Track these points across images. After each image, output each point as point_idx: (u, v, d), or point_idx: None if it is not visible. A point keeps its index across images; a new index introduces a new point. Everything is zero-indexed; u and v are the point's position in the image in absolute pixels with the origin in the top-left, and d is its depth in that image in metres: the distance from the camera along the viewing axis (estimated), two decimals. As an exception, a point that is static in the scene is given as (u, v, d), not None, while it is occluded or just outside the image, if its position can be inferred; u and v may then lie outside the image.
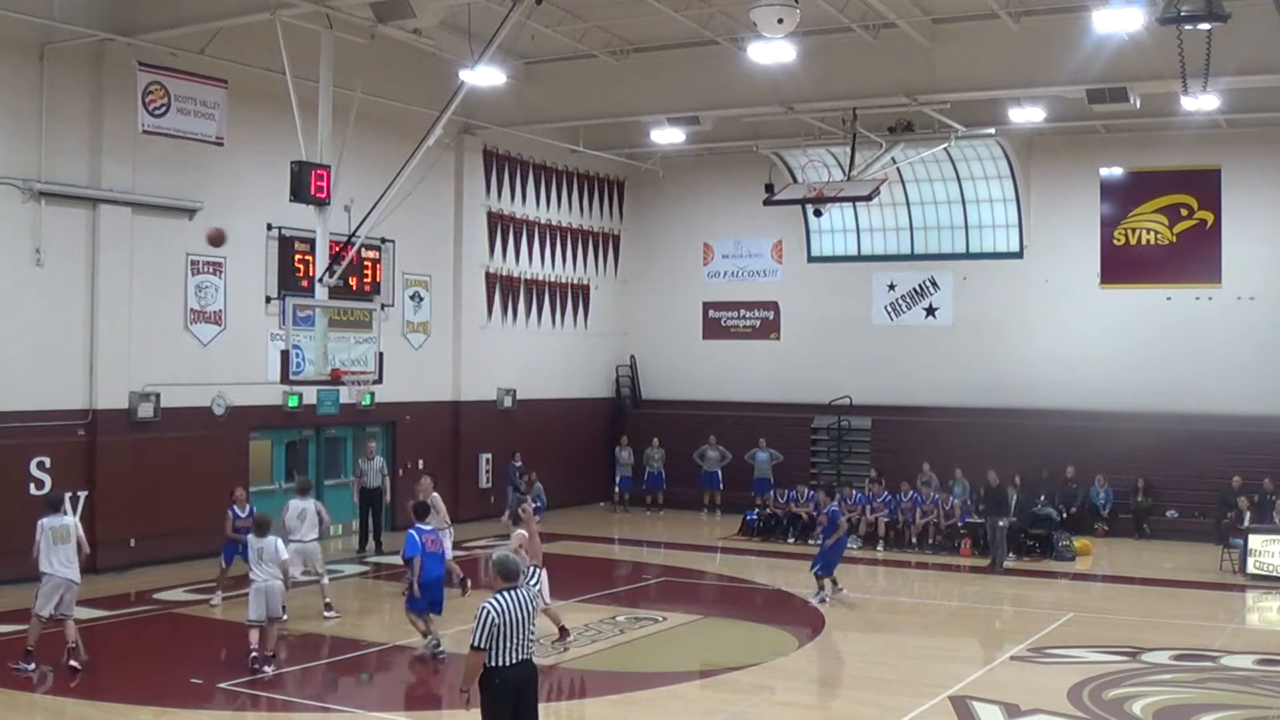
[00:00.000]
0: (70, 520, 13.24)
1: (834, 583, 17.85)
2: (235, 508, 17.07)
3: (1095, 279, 26.32)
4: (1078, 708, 12.08)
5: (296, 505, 16.48)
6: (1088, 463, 24.60)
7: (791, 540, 23.59)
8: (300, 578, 16.51)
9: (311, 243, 18.99)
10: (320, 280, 17.97)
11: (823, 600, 17.46)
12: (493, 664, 8.37)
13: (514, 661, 8.39)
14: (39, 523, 13.45)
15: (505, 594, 8.49)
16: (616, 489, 28.49)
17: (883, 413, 27.37)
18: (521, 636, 8.42)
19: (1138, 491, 24.29)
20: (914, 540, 22.93)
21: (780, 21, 16.08)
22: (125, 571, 18.65)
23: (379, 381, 18.57)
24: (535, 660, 8.72)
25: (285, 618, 13.99)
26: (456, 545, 22.65)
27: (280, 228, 21.29)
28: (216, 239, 16.96)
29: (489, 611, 8.36)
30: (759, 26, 16.46)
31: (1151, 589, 19.62)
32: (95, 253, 18.79)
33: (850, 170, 23.76)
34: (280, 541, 13.63)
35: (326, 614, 16.16)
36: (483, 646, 8.35)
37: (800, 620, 16.62)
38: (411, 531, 14.34)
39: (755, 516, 24.60)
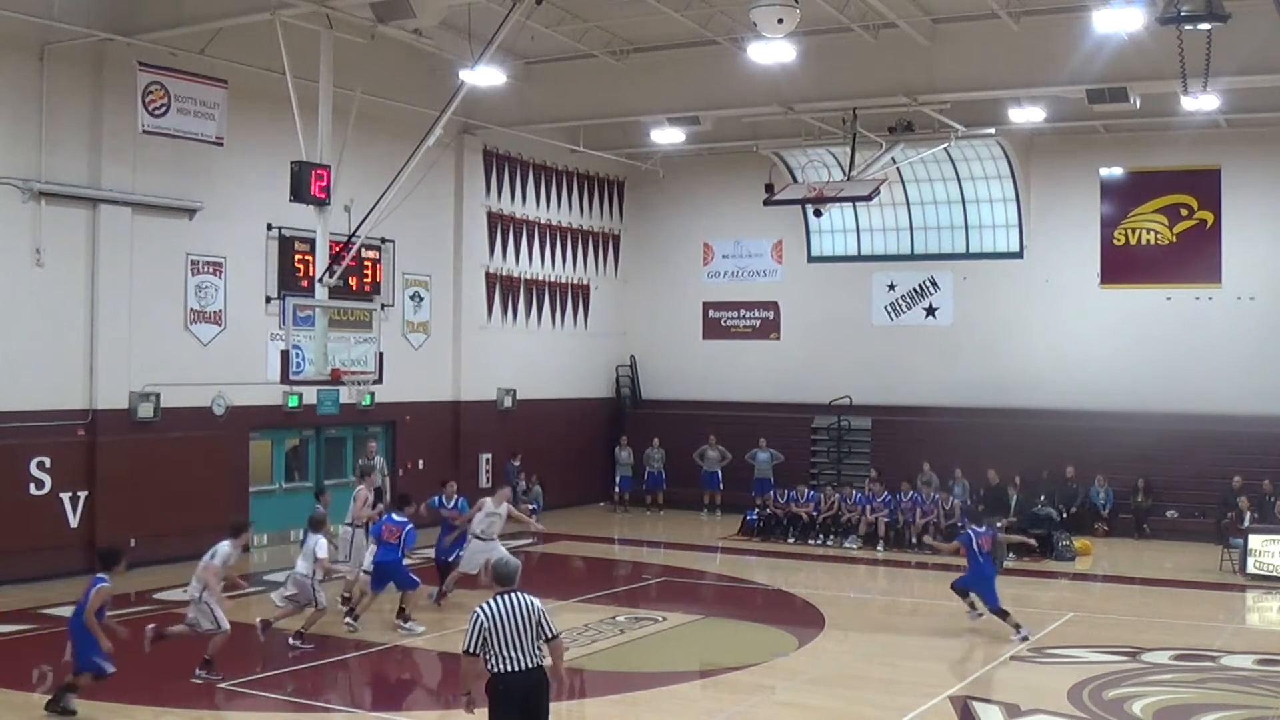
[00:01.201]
0: (312, 540, 14.21)
1: (971, 605, 16.16)
2: (442, 498, 17.92)
3: (1095, 279, 26.32)
4: (1078, 708, 12.07)
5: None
6: (1088, 463, 24.58)
7: (791, 540, 23.58)
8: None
9: (311, 243, 18.99)
10: (320, 280, 17.97)
11: (979, 614, 15.99)
12: (494, 669, 8.24)
13: (517, 669, 8.21)
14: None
15: (499, 598, 8.34)
16: (616, 489, 28.47)
17: (883, 413, 27.37)
18: (521, 642, 8.22)
19: (1138, 491, 24.29)
20: (914, 540, 22.92)
21: (780, 21, 16.09)
22: (125, 571, 18.54)
23: (379, 381, 18.57)
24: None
25: (323, 606, 14.54)
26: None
27: (280, 228, 21.29)
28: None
29: (478, 616, 8.25)
30: (759, 26, 16.47)
31: (1151, 589, 19.62)
32: (95, 253, 18.79)
33: (850, 170, 23.74)
34: (324, 541, 14.25)
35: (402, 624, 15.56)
36: (473, 651, 8.26)
37: (800, 620, 16.61)
38: (381, 520, 15.71)
39: (755, 516, 24.59)
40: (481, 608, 8.31)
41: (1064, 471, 24.60)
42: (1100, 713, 11.92)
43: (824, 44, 20.98)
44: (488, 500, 17.16)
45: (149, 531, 19.11)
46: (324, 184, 17.47)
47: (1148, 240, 25.99)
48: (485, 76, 19.14)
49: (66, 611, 15.94)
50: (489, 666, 8.26)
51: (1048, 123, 23.75)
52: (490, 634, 8.21)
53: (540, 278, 28.11)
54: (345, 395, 21.92)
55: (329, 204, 17.68)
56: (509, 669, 8.20)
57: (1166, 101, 21.48)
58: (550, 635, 8.37)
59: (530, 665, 8.27)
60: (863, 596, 19.01)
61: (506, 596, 8.35)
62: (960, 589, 16.18)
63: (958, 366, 27.12)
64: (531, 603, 8.38)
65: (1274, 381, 24.18)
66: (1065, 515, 23.39)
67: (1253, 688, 13.09)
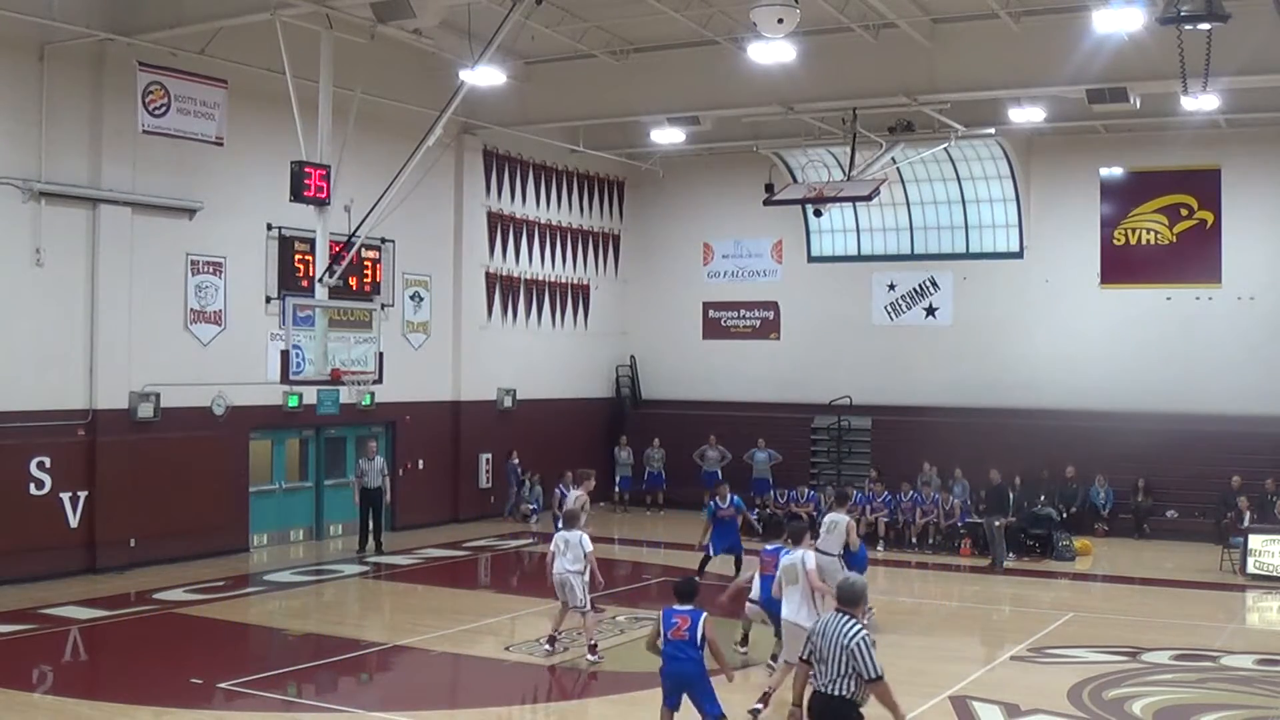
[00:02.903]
0: (577, 534, 14.12)
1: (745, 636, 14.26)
2: (716, 500, 18.79)
3: (1095, 279, 26.32)
4: (1078, 708, 12.07)
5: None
6: (1088, 463, 24.58)
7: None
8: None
9: (311, 243, 18.98)
10: (320, 280, 17.97)
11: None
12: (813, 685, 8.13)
13: (819, 690, 7.99)
14: (555, 535, 14.39)
15: (831, 615, 8.22)
16: (616, 489, 28.47)
17: (883, 413, 27.36)
18: (828, 666, 7.94)
19: (1138, 491, 24.29)
20: (914, 540, 22.94)
21: (780, 21, 16.07)
22: (125, 571, 18.66)
23: (379, 381, 18.57)
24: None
25: (586, 607, 14.11)
26: (457, 545, 22.81)
27: (280, 228, 21.27)
28: None
29: (813, 626, 8.29)
30: (759, 26, 16.45)
31: (1151, 589, 19.62)
32: (95, 253, 18.76)
33: (850, 170, 23.75)
34: (585, 536, 14.17)
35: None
36: (804, 658, 8.23)
37: (800, 620, 16.58)
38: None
39: (755, 516, 24.53)
40: (818, 620, 8.35)
41: (1064, 471, 24.60)
42: (1100, 713, 11.92)
43: (824, 44, 20.97)
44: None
45: (149, 531, 19.14)
46: (324, 184, 17.46)
47: (1148, 240, 25.99)
48: (485, 76, 19.13)
49: (67, 611, 16.12)
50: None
51: (1048, 123, 23.74)
52: (815, 648, 8.09)
53: (540, 278, 28.11)
54: (345, 395, 21.92)
55: (329, 204, 17.68)
56: (816, 687, 8.05)
57: (1166, 101, 21.48)
58: (868, 675, 7.87)
59: (830, 691, 7.93)
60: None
61: (835, 616, 8.15)
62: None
63: (958, 366, 27.12)
64: (851, 633, 7.98)
65: (1274, 381, 24.18)
66: (1065, 515, 23.39)
67: (1253, 688, 13.09)
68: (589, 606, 14.16)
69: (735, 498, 18.97)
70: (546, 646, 14.24)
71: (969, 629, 16.72)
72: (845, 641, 7.90)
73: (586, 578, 14.05)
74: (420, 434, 24.48)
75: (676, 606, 10.54)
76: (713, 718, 10.23)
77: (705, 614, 10.32)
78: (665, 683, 10.48)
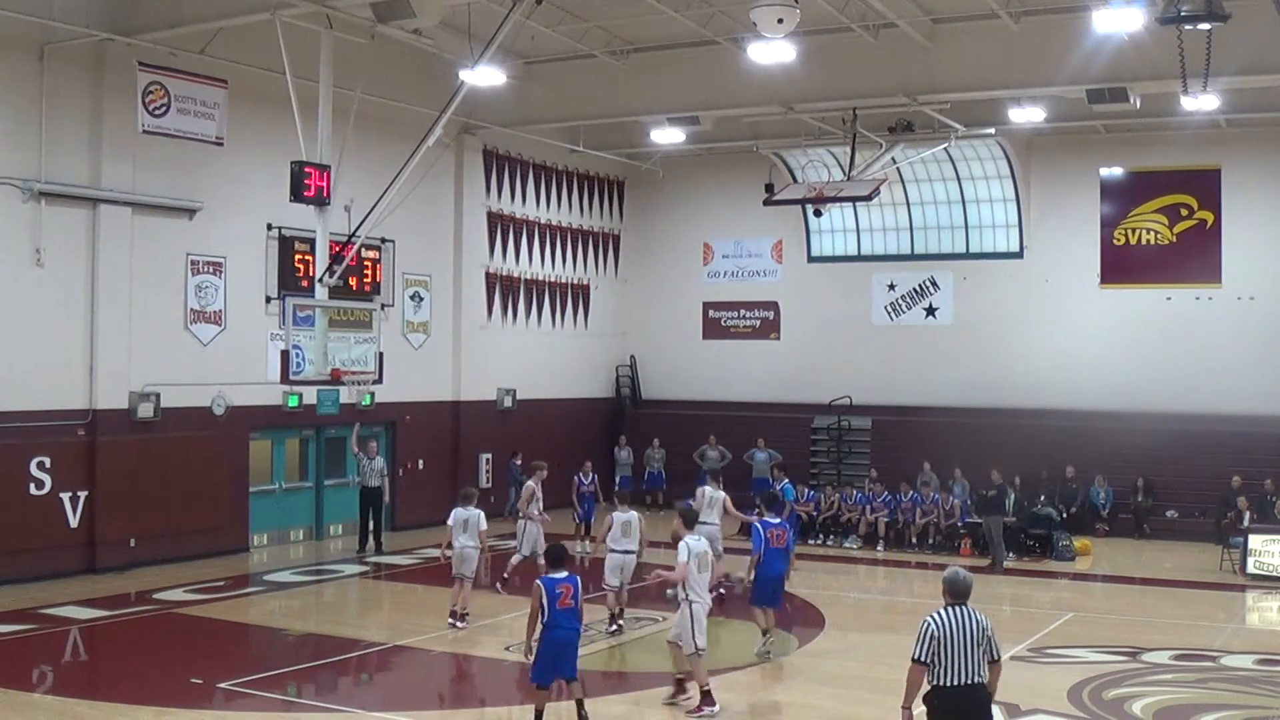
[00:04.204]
0: (476, 513, 15.69)
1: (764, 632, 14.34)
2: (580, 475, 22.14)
3: (1095, 279, 26.32)
4: (1078, 708, 12.08)
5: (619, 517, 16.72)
6: (1088, 463, 24.59)
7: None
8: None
9: (311, 243, 18.97)
10: (320, 280, 17.97)
11: (765, 653, 14.26)
12: (935, 682, 8.15)
13: (960, 683, 8.11)
14: (454, 511, 15.79)
15: (950, 610, 8.25)
16: (616, 489, 28.41)
17: (883, 413, 27.37)
18: (968, 658, 8.11)
19: (1138, 491, 24.29)
20: (914, 540, 22.94)
21: (780, 21, 16.09)
22: (125, 571, 18.66)
23: (379, 381, 18.57)
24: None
25: (472, 578, 15.64)
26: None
27: (280, 228, 21.28)
28: None
29: (929, 625, 8.17)
30: (759, 26, 16.46)
31: (1151, 589, 19.62)
32: (95, 253, 18.76)
33: (850, 170, 23.76)
34: (482, 515, 15.65)
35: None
36: (923, 660, 8.18)
37: (800, 620, 16.62)
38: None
39: (755, 515, 24.54)
40: (933, 617, 8.23)
41: (1064, 471, 24.60)
42: (1100, 713, 11.92)
43: (824, 44, 20.97)
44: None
45: (149, 531, 19.14)
46: (324, 184, 17.46)
47: (1148, 240, 25.99)
48: (485, 76, 19.12)
49: (66, 612, 16.12)
50: (931, 679, 8.17)
51: (1048, 123, 23.74)
52: (940, 646, 8.14)
53: (540, 278, 28.11)
54: (345, 395, 21.91)
55: (329, 204, 17.68)
56: (952, 683, 8.12)
57: (1166, 101, 21.47)
58: (995, 657, 8.28)
59: (974, 682, 8.16)
60: (863, 596, 19.00)
61: (959, 610, 8.26)
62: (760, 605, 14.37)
63: (958, 366, 27.12)
64: (987, 620, 8.29)
65: (1274, 381, 24.18)
66: (1065, 515, 23.39)
67: (1253, 688, 13.09)
68: (474, 578, 15.65)
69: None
70: (459, 625, 15.31)
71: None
72: (987, 629, 8.22)
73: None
74: (420, 434, 24.48)
75: (555, 575, 10.56)
76: (573, 676, 10.79)
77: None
78: (554, 653, 10.51)
